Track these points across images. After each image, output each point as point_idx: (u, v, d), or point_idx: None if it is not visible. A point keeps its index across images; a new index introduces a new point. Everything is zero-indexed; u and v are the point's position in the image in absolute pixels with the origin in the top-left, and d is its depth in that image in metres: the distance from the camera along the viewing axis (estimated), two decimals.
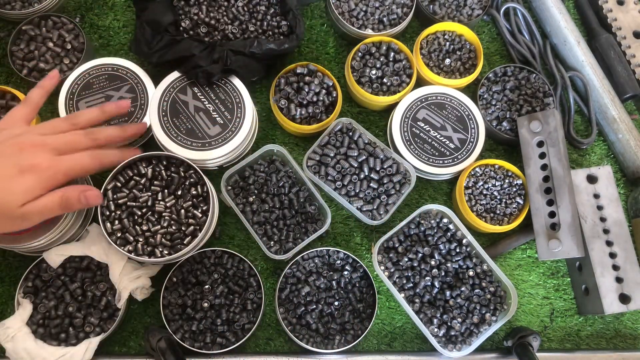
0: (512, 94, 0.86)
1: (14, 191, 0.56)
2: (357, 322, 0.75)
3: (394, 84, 0.83)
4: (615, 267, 0.78)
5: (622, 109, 0.88)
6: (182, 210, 0.69)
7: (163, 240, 0.68)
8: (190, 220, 0.69)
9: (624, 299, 0.76)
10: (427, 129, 0.82)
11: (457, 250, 0.77)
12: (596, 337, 0.81)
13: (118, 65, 0.80)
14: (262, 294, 0.73)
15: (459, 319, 0.74)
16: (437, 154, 0.81)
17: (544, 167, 0.79)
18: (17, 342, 0.67)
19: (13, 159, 0.57)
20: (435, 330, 0.73)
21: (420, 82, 0.86)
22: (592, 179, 0.82)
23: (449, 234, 0.77)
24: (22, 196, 0.57)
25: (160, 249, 0.68)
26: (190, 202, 0.70)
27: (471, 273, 0.76)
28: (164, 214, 0.69)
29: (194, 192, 0.70)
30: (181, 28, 0.82)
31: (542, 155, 0.79)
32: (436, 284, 0.75)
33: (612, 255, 0.78)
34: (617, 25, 0.93)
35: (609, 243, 0.79)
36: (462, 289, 0.75)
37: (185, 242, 0.68)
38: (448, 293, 0.75)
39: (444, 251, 0.76)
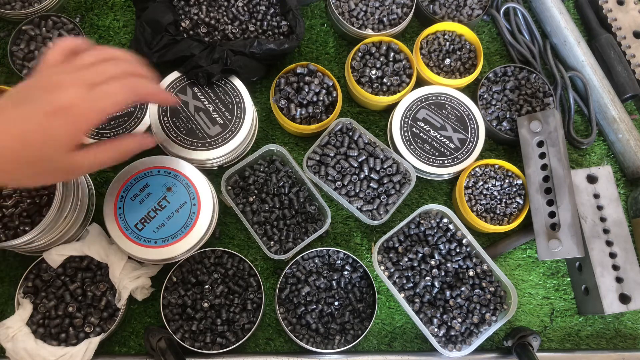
0: (512, 94, 0.86)
1: (53, 138, 0.51)
2: (357, 322, 0.75)
3: (394, 84, 0.83)
4: (615, 267, 0.78)
5: (622, 109, 0.88)
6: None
7: None
8: (42, 191, 0.68)
9: (624, 299, 0.77)
10: (427, 129, 0.82)
11: (457, 250, 0.77)
12: (596, 337, 0.81)
13: None
14: (262, 294, 0.73)
15: (459, 319, 0.74)
16: (437, 154, 0.81)
17: (544, 167, 0.79)
18: (17, 342, 0.67)
19: (46, 100, 0.51)
20: (435, 330, 0.73)
21: (420, 82, 0.86)
22: (592, 179, 0.82)
23: (449, 234, 0.77)
24: (64, 141, 0.52)
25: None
26: None
27: (471, 273, 0.76)
28: (14, 195, 0.68)
29: None
30: (181, 28, 0.82)
31: (542, 155, 0.79)
32: (436, 284, 0.75)
33: (612, 255, 0.78)
34: (617, 25, 0.93)
35: (609, 243, 0.79)
36: (462, 289, 0.75)
37: None
38: (448, 293, 0.75)
39: (444, 251, 0.76)
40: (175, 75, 0.78)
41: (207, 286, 0.73)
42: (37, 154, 0.52)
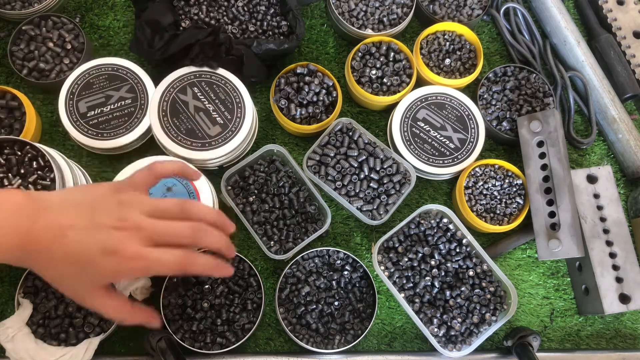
0: (512, 94, 0.86)
1: (93, 270, 0.53)
2: (357, 322, 0.75)
3: (394, 84, 0.83)
4: (615, 267, 0.78)
5: (622, 109, 0.88)
6: (30, 186, 0.68)
7: None
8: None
9: (624, 298, 0.77)
10: (427, 129, 0.82)
11: (457, 250, 0.77)
12: (596, 337, 0.81)
13: (118, 65, 0.80)
14: (262, 294, 0.73)
15: (459, 319, 0.74)
16: (437, 154, 0.81)
17: (543, 167, 0.79)
18: (17, 342, 0.66)
19: (103, 235, 0.52)
20: (435, 330, 0.73)
21: (420, 82, 0.86)
22: (592, 179, 0.82)
23: (449, 234, 0.77)
24: (97, 278, 0.53)
25: None
26: (35, 176, 0.69)
27: (471, 273, 0.76)
28: None
29: (36, 166, 0.69)
30: (181, 28, 0.82)
31: (542, 155, 0.79)
32: (436, 284, 0.75)
33: (612, 255, 0.78)
34: (617, 25, 0.93)
35: (609, 243, 0.79)
36: (462, 289, 0.75)
37: None
38: (448, 293, 0.75)
39: (443, 251, 0.76)
40: (175, 75, 0.78)
41: (207, 286, 0.73)
42: (72, 278, 0.53)
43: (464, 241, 0.77)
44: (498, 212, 0.80)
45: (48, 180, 0.69)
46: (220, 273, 0.56)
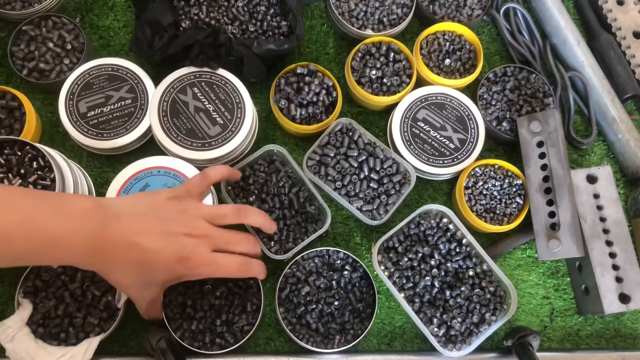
0: (512, 94, 0.86)
1: (165, 274, 0.59)
2: (357, 321, 0.75)
3: (394, 84, 0.83)
4: (615, 267, 0.78)
5: (622, 109, 0.88)
6: (30, 186, 0.69)
7: None
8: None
9: (624, 298, 0.77)
10: (427, 129, 0.82)
11: (457, 250, 0.77)
12: (596, 337, 0.81)
13: (118, 65, 0.80)
14: (261, 294, 0.73)
15: (459, 319, 0.74)
16: (437, 154, 0.81)
17: (543, 167, 0.79)
18: (17, 342, 0.66)
19: (177, 243, 0.58)
20: (435, 330, 0.73)
21: (420, 83, 0.86)
22: (592, 179, 0.82)
23: (448, 234, 0.77)
24: (167, 280, 0.61)
25: None
26: (35, 176, 0.69)
27: (471, 273, 0.76)
28: None
29: (36, 166, 0.70)
30: (181, 28, 0.82)
31: (542, 156, 0.79)
32: (436, 283, 0.75)
33: (612, 255, 0.78)
34: (617, 25, 0.93)
35: (608, 243, 0.79)
36: (462, 288, 0.75)
37: None
38: (448, 293, 0.75)
39: (443, 251, 0.76)
40: (175, 75, 0.78)
41: (208, 286, 0.73)
42: (147, 275, 0.59)
43: (464, 241, 0.77)
44: (498, 212, 0.80)
45: (48, 180, 0.69)
46: (264, 276, 0.68)
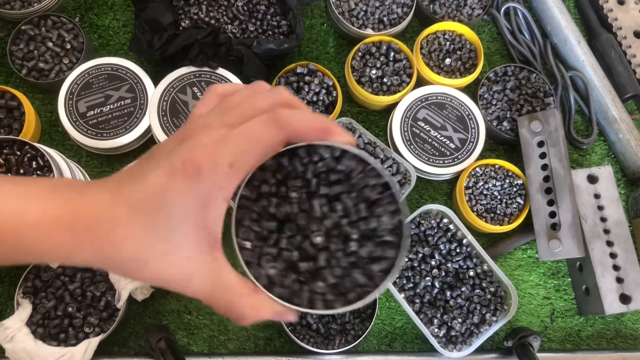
0: (513, 94, 0.86)
1: (173, 206, 0.34)
2: (358, 322, 0.75)
3: (394, 84, 0.83)
4: (616, 268, 0.78)
5: (622, 109, 0.88)
6: None
7: None
8: None
9: (625, 299, 0.76)
10: (427, 128, 0.82)
11: (458, 250, 0.77)
12: (597, 338, 0.81)
13: (118, 65, 0.80)
14: None
15: (459, 319, 0.73)
16: (437, 154, 0.81)
17: (544, 167, 0.79)
18: (16, 342, 0.66)
19: (170, 158, 0.35)
20: (436, 330, 0.73)
21: (421, 82, 0.86)
22: (592, 179, 0.82)
23: (449, 234, 0.77)
24: (191, 212, 0.35)
25: None
26: (34, 176, 0.69)
27: (471, 273, 0.76)
28: None
29: (35, 166, 0.70)
30: (181, 28, 0.82)
31: (542, 155, 0.79)
32: (436, 284, 0.75)
33: (613, 256, 0.78)
34: (618, 25, 0.93)
35: (609, 243, 0.79)
36: (463, 289, 0.74)
37: None
38: (448, 293, 0.75)
39: (444, 251, 0.76)
40: (175, 74, 0.78)
41: None
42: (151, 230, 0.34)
43: (465, 241, 0.77)
44: (498, 212, 0.80)
45: None
46: (329, 130, 0.37)
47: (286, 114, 0.36)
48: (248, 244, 0.36)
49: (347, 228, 0.36)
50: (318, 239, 0.36)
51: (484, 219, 0.79)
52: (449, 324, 0.74)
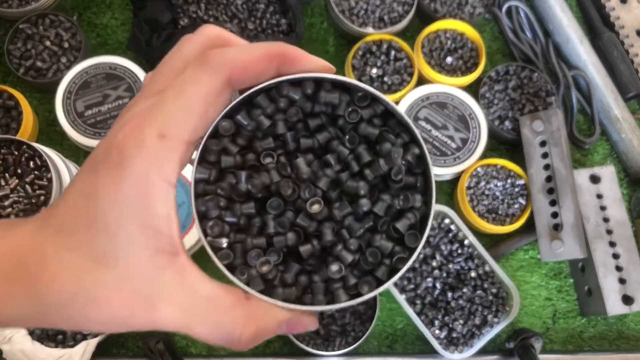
0: (514, 93, 0.85)
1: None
2: (358, 323, 0.74)
3: (395, 83, 0.83)
4: (619, 268, 0.77)
5: (625, 108, 0.87)
6: (27, 186, 0.69)
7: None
8: (38, 191, 0.69)
9: (627, 300, 0.76)
10: (428, 128, 0.81)
11: (459, 251, 0.76)
12: (599, 339, 0.80)
13: (116, 64, 0.79)
14: None
15: (461, 321, 0.73)
16: (438, 153, 0.80)
17: (546, 167, 0.78)
18: (14, 343, 0.66)
19: (96, 148, 0.28)
20: (437, 332, 0.72)
21: (422, 81, 0.86)
22: (595, 179, 0.81)
23: (450, 234, 0.77)
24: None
25: None
26: (32, 176, 0.69)
27: (473, 274, 0.75)
28: (10, 196, 0.68)
29: (33, 166, 0.69)
30: (179, 26, 0.81)
31: (544, 155, 0.79)
32: (437, 285, 0.74)
33: (615, 256, 0.78)
34: (620, 23, 0.92)
35: (612, 244, 0.78)
36: (464, 290, 0.74)
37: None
38: (450, 294, 0.74)
39: (445, 252, 0.76)
40: None
41: None
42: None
43: (466, 242, 0.76)
44: (500, 212, 0.79)
45: (45, 180, 0.68)
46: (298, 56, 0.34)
47: (217, 51, 0.29)
48: (224, 242, 0.27)
49: (350, 183, 0.27)
50: (315, 207, 0.27)
51: (485, 220, 0.79)
52: (450, 326, 0.73)
